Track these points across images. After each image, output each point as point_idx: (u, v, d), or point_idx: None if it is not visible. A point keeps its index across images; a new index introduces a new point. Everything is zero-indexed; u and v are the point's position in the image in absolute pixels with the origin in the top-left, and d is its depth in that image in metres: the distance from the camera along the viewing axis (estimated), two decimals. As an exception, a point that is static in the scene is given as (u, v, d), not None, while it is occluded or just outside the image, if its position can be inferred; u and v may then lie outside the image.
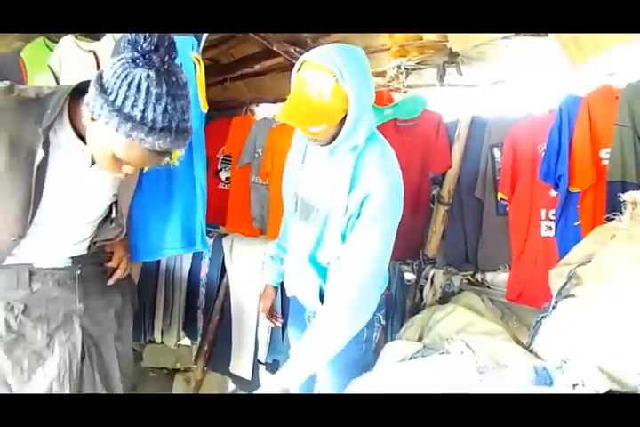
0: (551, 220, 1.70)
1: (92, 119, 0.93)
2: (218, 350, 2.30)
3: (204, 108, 1.48)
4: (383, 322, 1.43)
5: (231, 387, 2.45)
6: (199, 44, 1.54)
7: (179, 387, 2.49)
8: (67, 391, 1.14)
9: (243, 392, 2.24)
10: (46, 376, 1.12)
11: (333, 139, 1.13)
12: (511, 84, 2.11)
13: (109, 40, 2.05)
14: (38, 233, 1.09)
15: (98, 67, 2.05)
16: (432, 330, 1.55)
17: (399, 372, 1.28)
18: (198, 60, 1.47)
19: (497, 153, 1.91)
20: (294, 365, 1.13)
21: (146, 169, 1.46)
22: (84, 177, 1.11)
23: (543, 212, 1.73)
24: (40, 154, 0.99)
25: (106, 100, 0.87)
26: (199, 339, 2.37)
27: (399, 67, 2.40)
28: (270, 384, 1.12)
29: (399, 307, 1.93)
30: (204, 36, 1.58)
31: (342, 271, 1.17)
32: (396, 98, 2.51)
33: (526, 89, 2.08)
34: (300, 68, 1.11)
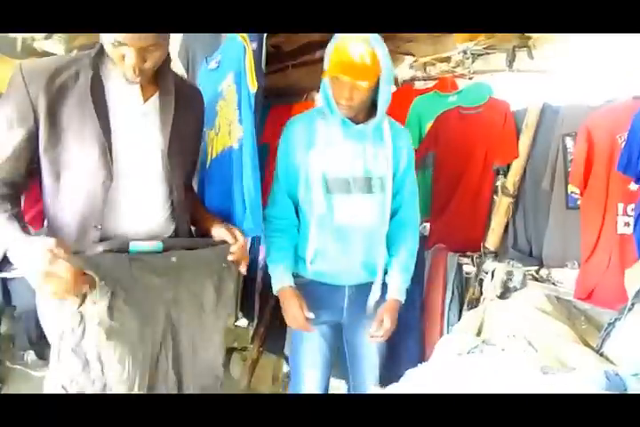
0: (629, 215, 1.58)
1: None
2: (273, 333, 2.37)
3: (253, 88, 1.47)
4: None
5: (285, 368, 2.52)
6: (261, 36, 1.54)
7: (235, 365, 2.60)
8: (143, 383, 1.09)
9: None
10: (133, 367, 1.07)
11: (357, 114, 1.39)
12: (589, 69, 1.97)
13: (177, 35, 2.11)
14: (119, 197, 1.13)
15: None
16: (492, 325, 1.51)
17: (456, 366, 1.26)
18: (245, 40, 1.47)
19: (569, 143, 1.79)
20: (403, 280, 1.48)
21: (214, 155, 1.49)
22: (139, 117, 1.16)
23: (621, 206, 1.61)
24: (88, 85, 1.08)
25: None
26: (255, 320, 2.45)
27: (465, 52, 2.31)
28: (389, 306, 1.45)
29: (457, 299, 1.89)
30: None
31: (407, 217, 1.53)
32: (460, 85, 2.43)
33: (606, 73, 1.93)
34: (336, 43, 1.33)
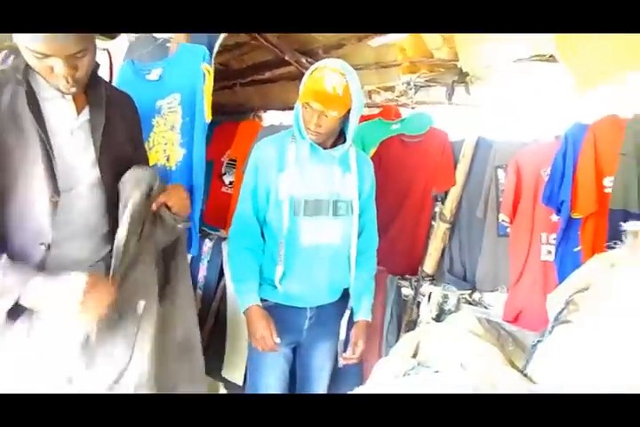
0: (551, 244, 1.72)
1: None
2: (210, 354, 2.29)
3: (208, 118, 1.50)
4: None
5: (222, 390, 2.44)
6: (211, 55, 1.56)
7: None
8: None
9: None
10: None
11: (325, 140, 1.43)
12: (519, 107, 2.14)
13: (124, 40, 2.07)
14: (62, 214, 1.09)
15: (110, 64, 2.07)
16: (427, 347, 1.56)
17: (392, 388, 1.28)
18: (208, 71, 1.49)
19: (501, 174, 1.93)
20: (369, 301, 1.55)
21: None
22: (75, 131, 1.12)
23: (544, 236, 1.75)
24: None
25: None
26: (192, 342, 2.37)
27: (409, 83, 2.43)
28: (358, 326, 1.51)
29: (395, 322, 1.94)
30: (216, 46, 1.60)
31: (367, 241, 1.57)
32: (403, 113, 2.54)
33: (533, 113, 2.11)
34: (313, 71, 1.38)
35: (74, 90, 1.04)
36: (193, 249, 1.54)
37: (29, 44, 0.94)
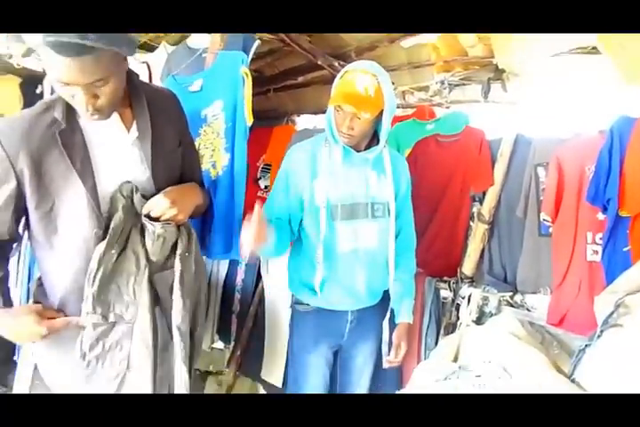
0: (598, 244, 1.65)
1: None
2: (250, 356, 2.33)
3: (249, 121, 1.52)
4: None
5: (262, 391, 2.47)
6: (248, 58, 1.59)
7: (210, 389, 2.53)
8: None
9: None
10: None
11: (358, 143, 1.43)
12: (559, 102, 2.07)
13: (162, 52, 2.14)
14: None
15: (150, 77, 2.15)
16: (468, 351, 1.53)
17: (433, 392, 1.26)
18: (247, 75, 1.52)
19: (541, 172, 1.87)
20: (411, 304, 1.54)
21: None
22: (128, 147, 1.15)
23: (590, 235, 1.68)
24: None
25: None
26: (232, 343, 2.41)
27: (442, 82, 2.39)
28: (400, 329, 1.51)
29: (434, 324, 1.91)
30: (251, 52, 1.63)
31: (405, 243, 1.57)
32: (438, 113, 2.51)
33: (575, 108, 2.03)
34: (344, 74, 1.38)
35: (96, 117, 1.04)
36: (234, 253, 1.57)
37: (51, 72, 0.95)
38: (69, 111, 1.08)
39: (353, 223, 1.44)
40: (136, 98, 1.16)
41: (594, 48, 1.69)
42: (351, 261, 1.46)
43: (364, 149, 1.46)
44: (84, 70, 0.93)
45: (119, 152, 1.14)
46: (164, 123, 1.22)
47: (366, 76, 1.33)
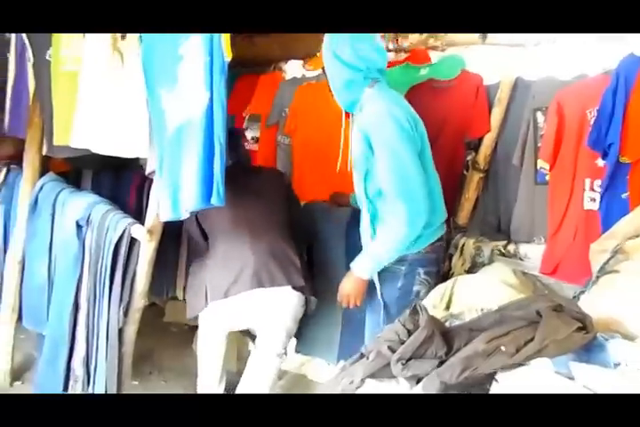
0: (596, 191, 1.60)
1: None
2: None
3: (229, 56, 1.39)
4: (425, 277, 1.54)
5: (250, 346, 2.49)
6: None
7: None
8: None
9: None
10: None
11: None
12: (561, 42, 1.94)
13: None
14: None
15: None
16: (460, 300, 1.51)
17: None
18: None
19: (540, 117, 1.78)
20: (369, 256, 1.47)
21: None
22: None
23: (588, 182, 1.62)
24: None
25: None
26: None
27: (439, 22, 2.24)
28: (348, 275, 1.49)
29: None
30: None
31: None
32: (433, 57, 2.37)
33: (578, 48, 1.91)
34: None
35: None
36: (219, 199, 1.46)
37: None
38: None
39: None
40: None
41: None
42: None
43: None
44: None
45: None
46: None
47: None
